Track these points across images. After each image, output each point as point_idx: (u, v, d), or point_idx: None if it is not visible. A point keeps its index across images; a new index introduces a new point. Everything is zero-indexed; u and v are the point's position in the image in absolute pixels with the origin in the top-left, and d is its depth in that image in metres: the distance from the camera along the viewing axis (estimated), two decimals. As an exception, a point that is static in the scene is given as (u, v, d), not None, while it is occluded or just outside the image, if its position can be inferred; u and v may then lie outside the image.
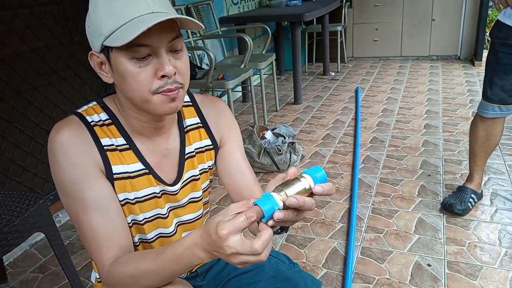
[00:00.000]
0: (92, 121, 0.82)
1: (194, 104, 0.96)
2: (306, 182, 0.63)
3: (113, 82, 0.79)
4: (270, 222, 0.61)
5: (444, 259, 1.76)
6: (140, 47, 0.71)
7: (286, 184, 0.63)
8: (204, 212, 1.01)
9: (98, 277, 0.95)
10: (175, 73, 0.75)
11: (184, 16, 0.73)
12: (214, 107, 0.98)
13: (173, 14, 0.71)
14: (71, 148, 0.77)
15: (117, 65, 0.74)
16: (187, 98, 0.95)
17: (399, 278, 1.67)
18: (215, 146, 0.96)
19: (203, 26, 0.78)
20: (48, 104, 2.27)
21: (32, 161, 2.21)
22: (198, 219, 0.98)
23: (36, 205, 1.38)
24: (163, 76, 0.73)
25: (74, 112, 0.83)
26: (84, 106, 0.85)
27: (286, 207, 0.62)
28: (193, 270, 1.01)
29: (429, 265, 1.73)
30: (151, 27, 0.67)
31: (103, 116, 0.84)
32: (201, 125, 0.95)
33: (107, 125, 0.83)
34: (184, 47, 0.78)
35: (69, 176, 0.77)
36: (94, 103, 0.86)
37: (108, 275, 0.75)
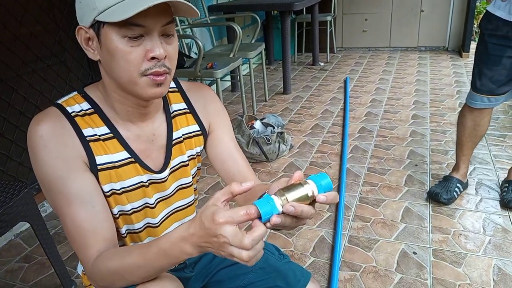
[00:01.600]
0: (73, 111, 0.80)
1: (180, 90, 0.95)
2: (309, 188, 0.62)
3: (98, 59, 0.77)
4: (267, 225, 0.60)
5: (430, 247, 1.79)
6: (134, 26, 0.70)
7: (289, 188, 0.62)
8: (194, 198, 1.00)
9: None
10: (165, 57, 0.74)
11: (187, 3, 0.73)
12: (201, 94, 0.96)
13: None
14: (51, 141, 0.75)
15: (108, 42, 0.72)
16: (172, 84, 0.94)
17: (385, 266, 1.70)
18: (204, 132, 0.95)
19: (199, 13, 0.77)
20: (32, 92, 2.23)
21: (17, 150, 2.17)
22: (190, 205, 0.97)
23: (20, 195, 1.36)
24: (152, 58, 0.73)
25: (54, 104, 0.81)
26: (65, 97, 0.83)
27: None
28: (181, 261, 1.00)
29: (414, 253, 1.76)
30: (148, 9, 0.66)
31: (85, 105, 0.82)
32: (188, 110, 0.94)
33: (89, 114, 0.81)
34: (175, 33, 0.78)
35: (51, 170, 0.75)
36: (75, 93, 0.84)
37: (92, 271, 0.74)
